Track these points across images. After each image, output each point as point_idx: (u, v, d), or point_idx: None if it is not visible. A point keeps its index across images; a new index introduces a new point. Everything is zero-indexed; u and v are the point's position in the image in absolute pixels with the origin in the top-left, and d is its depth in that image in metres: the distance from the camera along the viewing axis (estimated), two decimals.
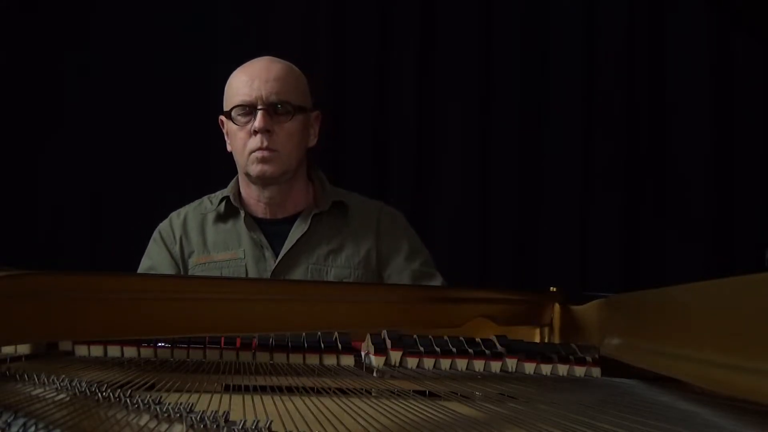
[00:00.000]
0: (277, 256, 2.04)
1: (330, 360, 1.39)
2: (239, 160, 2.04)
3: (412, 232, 2.17)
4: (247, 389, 1.09)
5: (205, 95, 3.19)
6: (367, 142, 3.29)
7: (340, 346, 1.40)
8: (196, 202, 2.18)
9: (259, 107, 1.98)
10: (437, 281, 2.10)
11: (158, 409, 0.89)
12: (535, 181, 3.32)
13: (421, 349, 1.36)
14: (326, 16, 3.30)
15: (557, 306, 1.59)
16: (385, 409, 0.99)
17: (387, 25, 3.33)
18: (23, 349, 1.35)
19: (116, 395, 0.95)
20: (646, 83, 3.34)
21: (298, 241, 2.05)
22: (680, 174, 3.31)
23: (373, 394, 1.11)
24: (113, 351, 1.37)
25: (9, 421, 0.80)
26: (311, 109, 2.08)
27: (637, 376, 1.33)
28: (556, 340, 1.57)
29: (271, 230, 2.08)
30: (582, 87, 3.34)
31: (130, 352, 1.37)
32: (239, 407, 0.96)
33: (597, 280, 3.21)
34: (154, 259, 2.11)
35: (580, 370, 1.37)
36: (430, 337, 1.40)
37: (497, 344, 1.40)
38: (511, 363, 1.38)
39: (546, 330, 1.60)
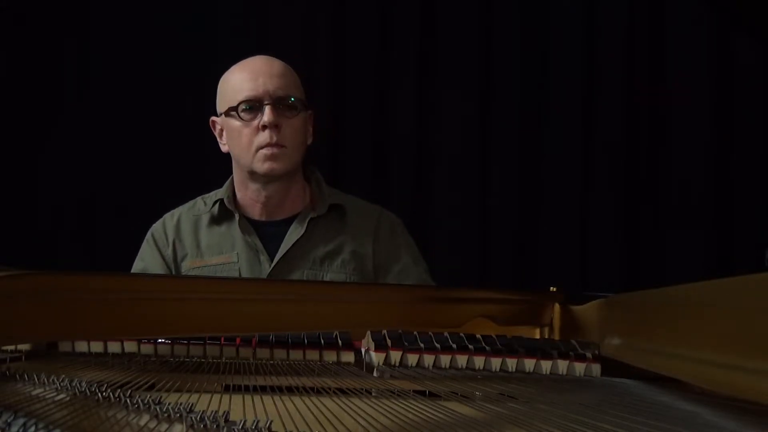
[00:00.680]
0: (272, 260, 2.01)
1: (330, 357, 1.39)
2: (243, 157, 2.00)
3: (411, 240, 2.14)
4: (247, 389, 1.09)
5: (204, 96, 3.19)
6: (367, 142, 3.29)
7: (340, 343, 1.40)
8: (190, 203, 2.15)
9: (266, 102, 1.96)
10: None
11: (158, 409, 0.89)
12: (535, 181, 3.32)
13: (422, 345, 1.36)
14: (326, 16, 3.30)
15: (557, 306, 1.59)
16: (385, 409, 0.99)
17: (387, 25, 3.33)
18: (23, 348, 1.35)
19: (116, 395, 0.95)
20: (646, 83, 3.34)
21: (293, 245, 2.02)
22: (680, 174, 3.31)
23: (373, 394, 1.11)
24: (113, 347, 1.37)
25: (9, 421, 0.80)
26: (306, 105, 2.07)
27: (637, 376, 1.33)
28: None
29: (266, 233, 2.05)
30: (582, 87, 3.34)
31: (130, 347, 1.37)
32: (239, 407, 0.96)
33: (597, 280, 3.21)
34: (147, 261, 2.08)
35: (580, 367, 1.37)
36: (430, 333, 1.40)
37: (497, 342, 1.40)
38: (511, 362, 1.38)
39: (546, 330, 1.60)
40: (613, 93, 3.33)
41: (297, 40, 3.25)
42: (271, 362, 1.36)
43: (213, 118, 2.07)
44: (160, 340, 1.38)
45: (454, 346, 1.37)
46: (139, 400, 0.92)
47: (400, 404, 1.03)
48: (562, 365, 1.37)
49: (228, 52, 3.17)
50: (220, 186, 2.13)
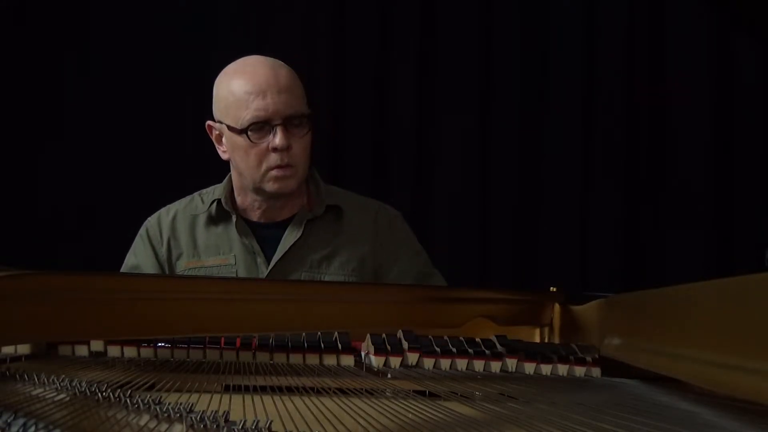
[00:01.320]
0: (269, 262, 1.98)
1: (330, 360, 1.39)
2: (250, 175, 1.94)
3: (411, 234, 2.11)
4: (247, 389, 1.09)
5: (204, 96, 3.20)
6: (367, 142, 3.29)
7: (340, 346, 1.40)
8: (187, 199, 2.10)
9: (276, 123, 1.89)
10: (438, 280, 2.07)
11: (158, 409, 0.89)
12: (535, 181, 3.32)
13: (421, 347, 1.36)
14: (326, 17, 3.30)
15: (557, 306, 1.59)
16: (385, 409, 0.99)
17: (387, 25, 3.33)
18: (23, 349, 1.35)
19: (116, 395, 0.95)
20: (646, 83, 3.34)
21: (290, 248, 1.99)
22: (680, 174, 3.31)
23: (373, 394, 1.11)
24: (113, 351, 1.37)
25: (9, 421, 0.80)
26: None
27: (637, 376, 1.33)
28: (556, 340, 1.57)
29: (264, 235, 2.01)
30: (582, 87, 3.34)
31: (130, 352, 1.37)
32: (239, 407, 0.96)
33: (597, 280, 3.21)
34: (139, 257, 2.04)
35: (580, 370, 1.37)
36: (430, 337, 1.40)
37: (497, 344, 1.40)
38: (511, 363, 1.38)
39: (546, 330, 1.60)
40: (613, 93, 3.33)
41: (297, 40, 3.25)
42: (271, 362, 1.36)
43: (209, 122, 2.01)
44: (159, 345, 1.38)
45: (454, 350, 1.37)
46: (139, 400, 0.92)
47: (400, 404, 1.03)
48: (562, 369, 1.37)
49: (228, 52, 3.18)
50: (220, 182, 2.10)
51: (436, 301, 1.57)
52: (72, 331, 1.27)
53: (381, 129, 3.30)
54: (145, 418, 0.88)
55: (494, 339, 1.42)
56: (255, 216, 2.03)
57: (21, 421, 0.80)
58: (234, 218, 2.00)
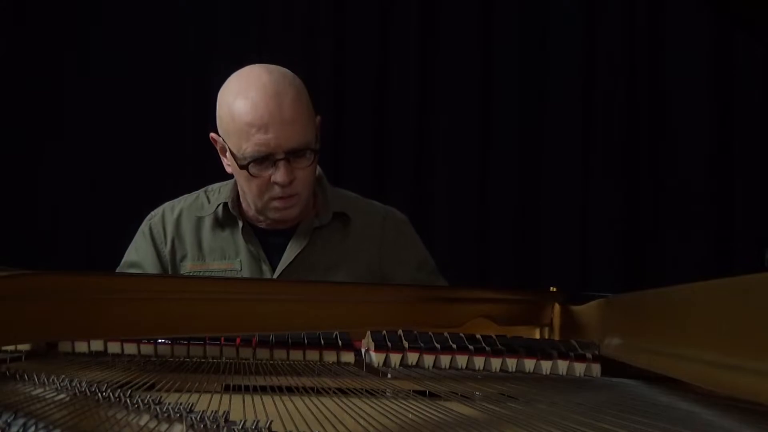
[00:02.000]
0: (274, 270, 1.96)
1: (330, 357, 1.39)
2: (253, 202, 1.90)
3: (417, 240, 2.08)
4: (247, 389, 1.09)
5: (204, 96, 3.20)
6: (367, 142, 3.29)
7: (340, 342, 1.40)
8: (191, 196, 2.05)
9: (278, 158, 1.81)
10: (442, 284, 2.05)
11: (158, 409, 0.89)
12: (535, 181, 3.32)
13: (422, 345, 1.36)
14: (326, 16, 3.30)
15: (557, 306, 1.59)
16: (385, 409, 0.99)
17: (387, 25, 3.33)
18: (23, 346, 1.35)
19: (116, 395, 0.95)
20: (646, 83, 3.34)
21: (296, 256, 1.95)
22: (680, 174, 3.31)
23: (373, 394, 1.11)
24: (113, 348, 1.37)
25: (9, 421, 0.80)
26: (316, 120, 1.93)
27: (637, 376, 1.33)
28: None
29: (270, 242, 1.97)
30: (582, 86, 3.34)
31: (130, 349, 1.37)
32: (239, 407, 0.96)
33: (597, 280, 3.21)
34: (140, 255, 2.00)
35: (580, 367, 1.37)
36: (430, 333, 1.40)
37: (497, 342, 1.40)
38: (511, 362, 1.38)
39: (546, 330, 1.60)
40: (613, 93, 3.33)
41: (297, 40, 3.25)
42: (271, 362, 1.36)
43: (213, 135, 1.94)
44: (160, 341, 1.38)
45: (454, 346, 1.37)
46: (139, 400, 0.92)
47: (400, 404, 1.03)
48: (562, 365, 1.37)
49: (228, 53, 3.19)
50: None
51: (437, 301, 1.57)
52: (72, 331, 1.27)
53: (381, 128, 3.30)
54: (145, 418, 0.88)
55: (494, 338, 1.42)
56: (261, 223, 1.98)
57: (21, 421, 0.80)
58: (240, 224, 1.96)
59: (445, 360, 1.36)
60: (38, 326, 1.18)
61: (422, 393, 1.11)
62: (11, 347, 1.33)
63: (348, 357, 1.39)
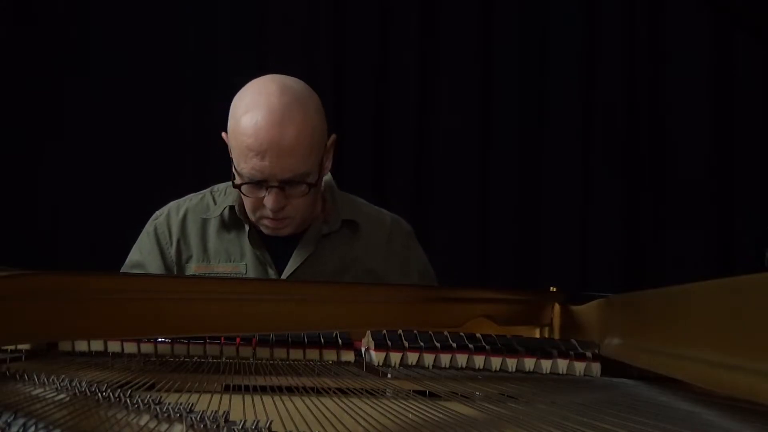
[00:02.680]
0: (280, 275, 1.94)
1: (330, 356, 1.39)
2: (249, 212, 1.90)
3: (420, 251, 2.09)
4: (247, 389, 1.09)
5: (204, 96, 3.21)
6: (367, 143, 3.29)
7: (340, 341, 1.40)
8: (197, 196, 2.03)
9: (271, 185, 1.81)
10: None
11: (158, 409, 0.89)
12: (535, 181, 3.32)
13: (422, 344, 1.37)
14: (326, 16, 3.30)
15: (557, 306, 1.59)
16: (385, 409, 0.99)
17: (387, 24, 3.33)
18: (23, 346, 1.35)
19: (116, 395, 0.95)
20: (646, 83, 3.34)
21: (303, 262, 1.94)
22: (680, 174, 3.31)
23: (373, 394, 1.11)
24: (113, 347, 1.37)
25: (9, 421, 0.80)
26: (326, 144, 1.91)
27: (637, 376, 1.33)
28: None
29: (277, 246, 1.96)
30: (582, 86, 3.34)
31: (130, 348, 1.37)
32: (239, 407, 0.96)
33: (597, 280, 3.21)
34: (145, 255, 1.99)
35: (579, 366, 1.37)
36: (430, 333, 1.40)
37: (497, 341, 1.40)
38: (511, 361, 1.38)
39: (546, 330, 1.60)
40: (613, 93, 3.33)
41: (297, 40, 3.25)
42: (271, 362, 1.37)
43: (224, 134, 1.92)
44: (160, 340, 1.38)
45: (454, 345, 1.37)
46: (139, 400, 0.92)
47: (400, 404, 1.03)
48: (562, 364, 1.37)
49: (228, 53, 3.20)
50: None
51: (437, 301, 1.57)
52: (72, 331, 1.27)
53: (381, 129, 3.30)
54: (145, 418, 0.88)
55: (494, 337, 1.42)
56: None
57: (21, 421, 0.80)
58: (247, 228, 1.94)
59: (445, 359, 1.36)
60: (38, 326, 1.18)
61: (422, 393, 1.11)
62: (11, 347, 1.33)
63: (348, 356, 1.40)
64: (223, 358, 1.38)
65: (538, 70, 3.34)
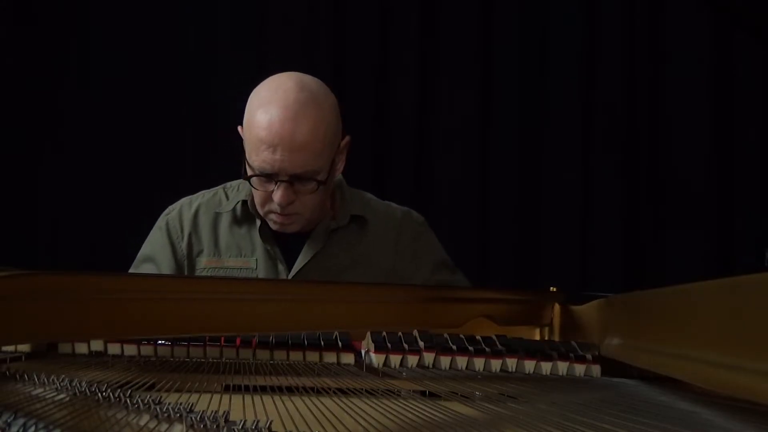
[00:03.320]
0: (290, 270, 1.95)
1: (330, 358, 1.39)
2: (257, 206, 1.92)
3: (435, 242, 2.08)
4: (247, 389, 1.09)
5: (204, 97, 3.21)
6: (367, 143, 3.28)
7: (340, 344, 1.40)
8: (210, 192, 2.04)
9: (281, 179, 1.82)
10: (460, 281, 2.05)
11: (158, 409, 0.89)
12: (535, 181, 3.32)
13: (421, 345, 1.36)
14: (326, 16, 3.30)
15: (557, 306, 1.59)
16: (385, 409, 0.99)
17: (387, 24, 3.33)
18: (23, 347, 1.35)
19: (116, 395, 0.95)
20: (646, 83, 3.34)
21: (312, 258, 1.95)
22: (680, 174, 3.31)
23: (373, 394, 1.11)
24: (113, 349, 1.37)
25: (9, 421, 0.80)
26: (339, 145, 1.94)
27: (637, 376, 1.33)
28: (556, 340, 1.57)
29: (287, 242, 1.96)
30: (582, 86, 3.34)
31: (130, 350, 1.37)
32: (239, 407, 0.96)
33: (597, 280, 3.21)
34: (155, 250, 2.00)
35: (580, 368, 1.37)
36: (430, 334, 1.40)
37: (497, 343, 1.40)
38: (511, 362, 1.38)
39: (546, 330, 1.60)
40: (612, 93, 3.33)
41: (297, 40, 3.25)
42: (271, 362, 1.37)
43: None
44: (160, 342, 1.38)
45: (454, 347, 1.37)
46: (139, 400, 0.92)
47: (400, 404, 1.03)
48: (562, 367, 1.37)
49: (228, 53, 3.19)
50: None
51: (437, 301, 1.57)
52: (72, 331, 1.27)
53: (381, 129, 3.30)
54: (145, 418, 0.88)
55: (494, 338, 1.42)
56: None
57: (21, 421, 0.80)
58: (258, 223, 1.95)
59: (445, 361, 1.36)
60: (38, 326, 1.18)
61: (422, 393, 1.11)
62: (11, 347, 1.33)
63: (348, 358, 1.39)
64: (223, 359, 1.38)
65: (538, 70, 3.34)
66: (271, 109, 1.82)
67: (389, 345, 1.36)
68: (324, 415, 0.95)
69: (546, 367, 1.37)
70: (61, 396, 0.99)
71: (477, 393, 1.12)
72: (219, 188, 2.06)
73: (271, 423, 0.81)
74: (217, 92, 3.17)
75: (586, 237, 3.30)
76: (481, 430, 0.90)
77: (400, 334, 1.39)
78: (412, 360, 1.36)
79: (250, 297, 1.41)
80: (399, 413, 0.97)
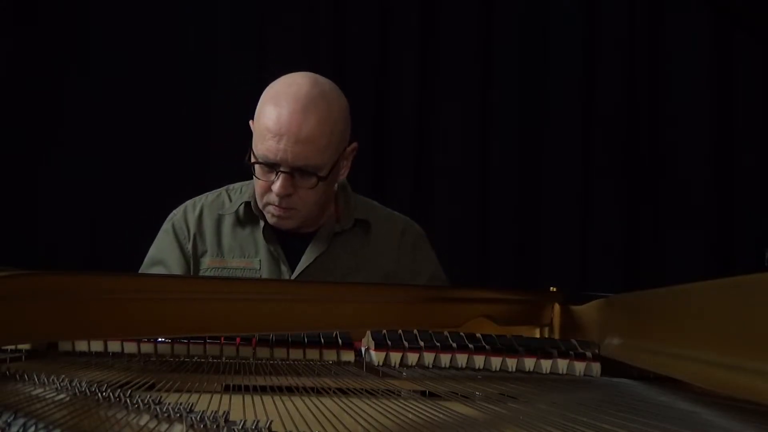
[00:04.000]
0: (293, 272, 1.96)
1: (330, 356, 1.39)
2: (257, 198, 1.93)
3: (431, 254, 2.10)
4: (247, 389, 1.09)
5: (204, 97, 3.21)
6: (367, 143, 3.28)
7: (340, 341, 1.40)
8: (213, 194, 2.05)
9: (282, 170, 1.83)
10: None
11: (158, 409, 0.89)
12: (535, 181, 3.32)
13: (422, 344, 1.37)
14: (326, 16, 3.30)
15: (557, 306, 1.59)
16: (385, 409, 0.99)
17: (387, 24, 3.33)
18: (23, 346, 1.35)
19: (116, 395, 0.95)
20: (646, 83, 3.34)
21: (314, 260, 1.96)
22: (680, 174, 3.31)
23: (373, 394, 1.11)
24: (113, 346, 1.37)
25: (9, 421, 0.80)
26: (345, 149, 1.93)
27: (637, 376, 1.33)
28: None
29: (290, 243, 1.97)
30: (582, 87, 3.34)
31: (130, 347, 1.37)
32: (239, 407, 0.96)
33: (597, 280, 3.21)
34: (164, 252, 2.01)
35: (580, 366, 1.37)
36: (430, 332, 1.40)
37: (497, 341, 1.40)
38: (511, 361, 1.38)
39: (546, 330, 1.60)
40: (613, 93, 3.33)
41: (297, 40, 3.25)
42: (271, 362, 1.36)
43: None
44: (160, 340, 1.38)
45: (454, 345, 1.37)
46: (139, 400, 0.92)
47: (400, 404, 1.03)
48: (562, 364, 1.37)
49: (228, 53, 3.19)
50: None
51: (437, 301, 1.57)
52: (72, 331, 1.27)
53: (381, 128, 3.30)
54: (145, 418, 0.88)
55: (494, 337, 1.42)
56: None
57: (21, 421, 0.80)
58: (262, 224, 1.96)
59: (445, 359, 1.36)
60: (38, 326, 1.18)
61: (422, 393, 1.11)
62: (11, 347, 1.33)
63: (348, 356, 1.39)
64: (223, 358, 1.38)
65: (538, 70, 3.34)
66: (282, 101, 1.85)
67: (389, 342, 1.36)
68: (324, 415, 0.95)
69: (546, 364, 1.37)
70: (61, 396, 0.99)
71: (477, 393, 1.12)
72: (222, 190, 2.07)
73: (271, 423, 0.81)
74: (217, 92, 3.17)
75: (586, 237, 3.30)
76: (481, 430, 0.90)
77: (400, 332, 1.39)
78: (412, 358, 1.35)
79: (250, 297, 1.41)
80: (399, 413, 0.97)
